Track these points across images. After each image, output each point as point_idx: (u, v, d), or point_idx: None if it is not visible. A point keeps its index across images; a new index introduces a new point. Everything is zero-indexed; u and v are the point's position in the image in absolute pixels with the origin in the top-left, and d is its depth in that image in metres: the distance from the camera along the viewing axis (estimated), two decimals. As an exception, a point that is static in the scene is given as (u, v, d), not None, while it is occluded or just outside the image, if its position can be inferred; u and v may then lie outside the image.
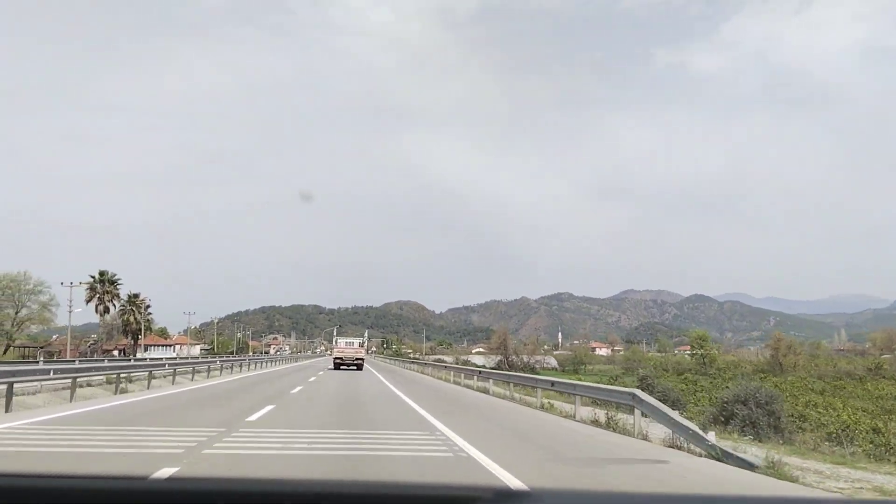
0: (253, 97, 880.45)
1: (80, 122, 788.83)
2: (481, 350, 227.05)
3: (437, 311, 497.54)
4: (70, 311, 60.11)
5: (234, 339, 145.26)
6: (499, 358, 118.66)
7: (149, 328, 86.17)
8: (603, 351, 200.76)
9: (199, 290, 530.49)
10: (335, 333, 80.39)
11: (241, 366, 47.68)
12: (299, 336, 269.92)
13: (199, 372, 35.79)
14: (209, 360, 44.08)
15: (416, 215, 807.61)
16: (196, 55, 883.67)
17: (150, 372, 27.37)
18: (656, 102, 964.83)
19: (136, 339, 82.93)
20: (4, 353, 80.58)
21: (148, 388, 25.49)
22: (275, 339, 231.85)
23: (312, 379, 34.99)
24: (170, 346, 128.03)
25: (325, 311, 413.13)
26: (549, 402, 21.26)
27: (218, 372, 38.62)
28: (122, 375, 23.92)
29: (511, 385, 26.35)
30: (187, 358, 62.49)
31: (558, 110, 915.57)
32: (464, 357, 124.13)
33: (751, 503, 1.75)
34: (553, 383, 21.79)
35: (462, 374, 36.35)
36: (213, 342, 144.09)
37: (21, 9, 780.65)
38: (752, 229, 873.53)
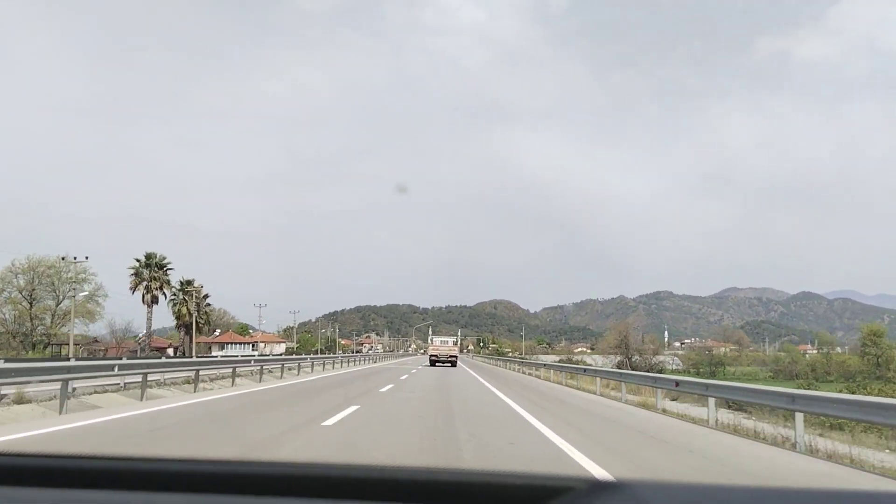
0: (349, 99, 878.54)
1: (189, 127, 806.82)
2: (584, 349, 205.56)
3: (532, 311, 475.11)
4: (73, 297, 43.69)
5: (318, 337, 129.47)
6: (618, 358, 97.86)
7: (207, 322, 70.02)
8: (721, 350, 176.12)
9: (298, 290, 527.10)
10: (430, 333, 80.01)
11: (323, 364, 40.69)
12: (393, 335, 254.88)
13: (290, 369, 33.16)
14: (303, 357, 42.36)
15: (511, 213, 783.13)
16: (294, 60, 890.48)
17: (262, 367, 28.09)
18: (759, 92, 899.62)
19: (190, 334, 66.70)
20: (44, 350, 66.22)
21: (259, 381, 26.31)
22: (367, 337, 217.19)
23: (363, 400, 16.18)
24: (248, 343, 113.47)
25: (419, 310, 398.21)
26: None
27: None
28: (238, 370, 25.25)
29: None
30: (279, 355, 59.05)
31: (657, 102, 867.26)
32: (577, 357, 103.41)
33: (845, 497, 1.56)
34: None
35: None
36: (300, 340, 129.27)
37: (132, 21, 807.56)
38: (861, 223, 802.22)
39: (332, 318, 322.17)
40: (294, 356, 43.71)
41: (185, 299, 64.69)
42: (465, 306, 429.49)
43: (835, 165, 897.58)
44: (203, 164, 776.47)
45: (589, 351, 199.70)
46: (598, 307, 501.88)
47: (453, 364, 51.97)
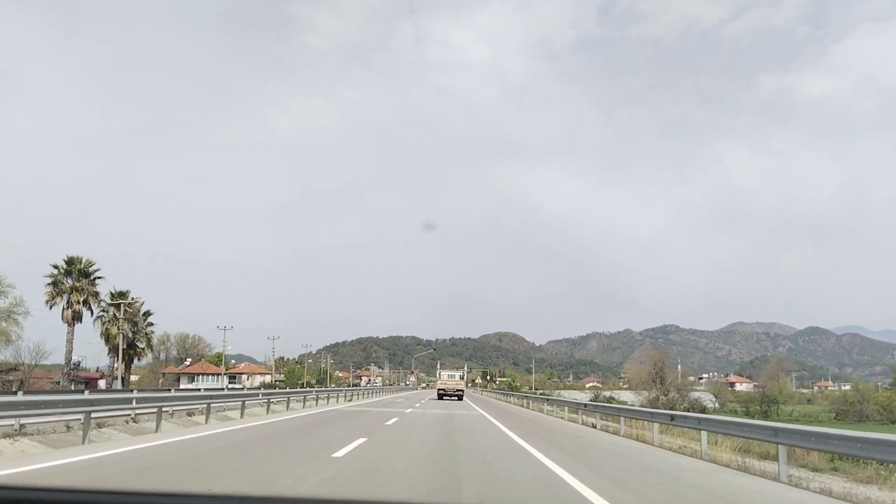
0: (357, 134, 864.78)
1: (199, 161, 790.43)
2: (597, 384, 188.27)
3: (538, 343, 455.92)
4: None
5: (305, 368, 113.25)
6: (652, 394, 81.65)
7: (148, 345, 54.04)
8: (743, 386, 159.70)
9: (301, 322, 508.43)
10: (438, 367, 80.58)
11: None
12: (395, 367, 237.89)
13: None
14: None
15: (517, 246, 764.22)
16: (303, 95, 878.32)
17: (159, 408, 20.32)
18: (765, 129, 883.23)
19: (126, 360, 50.73)
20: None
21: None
22: (367, 369, 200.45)
23: None
24: (224, 374, 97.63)
25: (422, 342, 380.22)
26: None
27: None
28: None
29: None
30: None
31: (663, 138, 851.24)
32: (607, 393, 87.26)
33: None
34: None
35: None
36: (288, 372, 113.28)
37: (143, 55, 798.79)
38: (868, 259, 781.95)
39: (334, 349, 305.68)
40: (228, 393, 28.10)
41: (115, 316, 48.93)
42: (469, 338, 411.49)
43: (842, 201, 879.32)
44: (209, 197, 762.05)
45: (600, 385, 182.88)
46: (604, 340, 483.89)
47: (459, 398, 51.89)
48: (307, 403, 30.09)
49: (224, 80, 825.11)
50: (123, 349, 51.01)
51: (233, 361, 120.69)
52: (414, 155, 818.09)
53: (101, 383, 53.34)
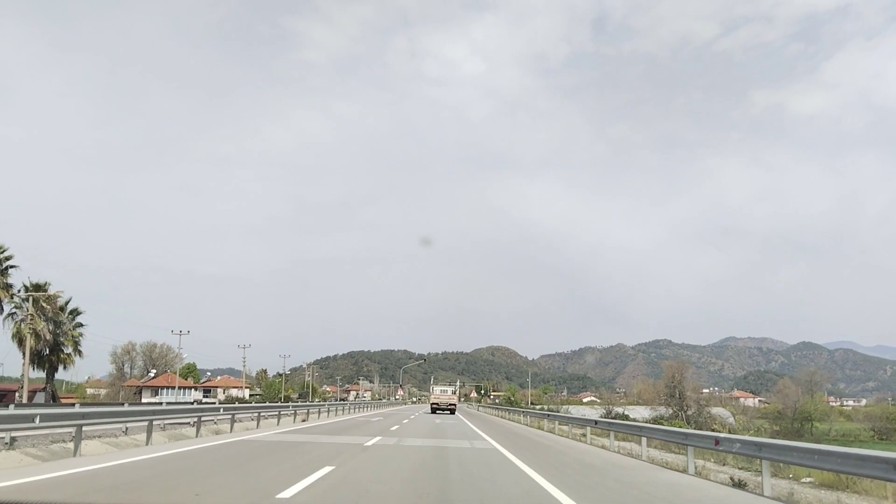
0: (352, 148, 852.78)
1: (193, 173, 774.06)
2: (594, 399, 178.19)
3: (530, 358, 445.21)
4: None
5: (285, 382, 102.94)
6: (670, 410, 72.00)
7: (77, 350, 43.75)
8: (748, 401, 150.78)
9: (292, 335, 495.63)
10: (432, 382, 79.42)
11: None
12: (386, 382, 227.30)
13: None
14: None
15: (510, 261, 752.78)
16: (298, 108, 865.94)
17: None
18: (757, 145, 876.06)
19: (49, 367, 40.55)
20: None
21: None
22: (355, 384, 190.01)
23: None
24: (195, 388, 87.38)
25: (414, 356, 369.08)
26: None
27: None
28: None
29: None
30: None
31: (655, 154, 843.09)
32: (618, 408, 77.37)
33: None
34: None
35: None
36: (266, 386, 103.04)
37: (138, 68, 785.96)
38: (860, 274, 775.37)
39: (324, 363, 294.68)
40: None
41: (31, 314, 38.79)
42: (462, 352, 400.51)
43: (833, 217, 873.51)
44: (202, 209, 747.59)
45: (598, 400, 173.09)
46: (596, 355, 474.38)
47: (452, 411, 53.73)
48: (206, 429, 19.80)
49: (219, 93, 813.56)
50: (46, 354, 40.90)
51: (209, 374, 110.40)
52: (408, 169, 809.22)
53: (18, 397, 43.12)
